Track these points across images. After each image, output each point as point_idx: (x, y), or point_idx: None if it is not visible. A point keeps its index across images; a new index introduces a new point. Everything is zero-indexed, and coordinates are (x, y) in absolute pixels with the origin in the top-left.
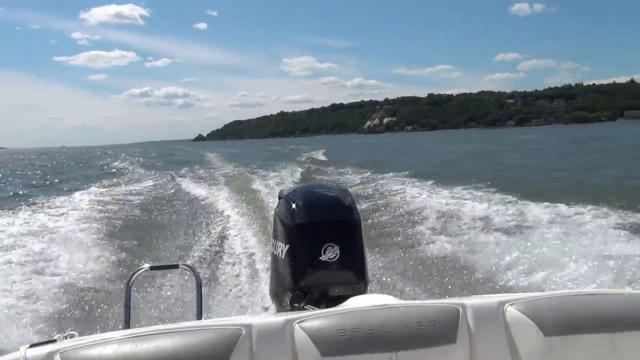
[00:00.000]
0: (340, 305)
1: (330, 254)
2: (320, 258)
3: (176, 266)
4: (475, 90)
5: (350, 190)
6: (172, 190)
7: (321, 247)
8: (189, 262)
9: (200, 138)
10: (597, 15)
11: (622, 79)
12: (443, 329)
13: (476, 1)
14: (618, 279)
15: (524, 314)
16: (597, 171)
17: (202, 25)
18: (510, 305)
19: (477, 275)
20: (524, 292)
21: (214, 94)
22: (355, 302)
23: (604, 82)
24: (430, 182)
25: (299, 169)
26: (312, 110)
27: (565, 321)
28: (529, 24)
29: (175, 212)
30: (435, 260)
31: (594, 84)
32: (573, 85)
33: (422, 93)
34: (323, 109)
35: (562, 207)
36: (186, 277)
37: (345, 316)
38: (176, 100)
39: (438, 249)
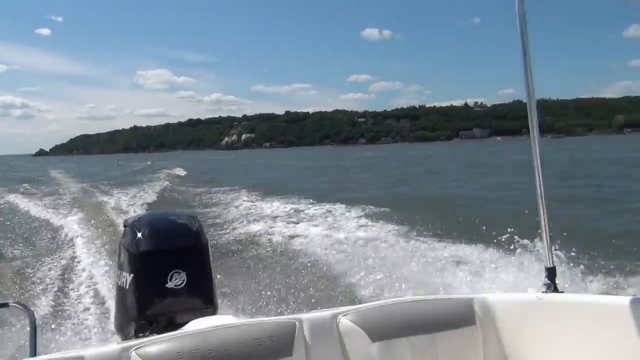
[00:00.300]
0: (181, 329)
1: (177, 280)
2: (167, 285)
3: (6, 305)
4: (330, 109)
5: (200, 212)
6: (9, 212)
7: (167, 274)
8: (26, 296)
9: (42, 153)
10: (438, 44)
11: (458, 102)
12: (280, 344)
13: (330, 25)
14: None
15: (355, 323)
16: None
17: (45, 31)
18: (343, 316)
19: (319, 286)
20: (358, 303)
21: (58, 105)
22: (195, 325)
23: (443, 104)
24: (278, 200)
25: (155, 186)
26: (168, 125)
27: (390, 327)
28: (379, 48)
29: (12, 238)
30: (284, 276)
31: (434, 106)
32: (417, 106)
33: (280, 110)
34: (180, 124)
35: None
36: (20, 316)
37: (184, 339)
38: (13, 110)
39: (285, 266)
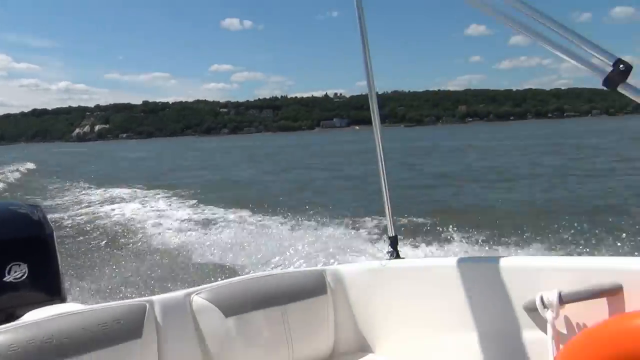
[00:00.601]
0: (17, 320)
1: (17, 273)
2: (5, 279)
3: None
4: (191, 99)
5: (48, 203)
6: None
7: (5, 267)
8: None
9: None
10: (299, 36)
11: (319, 93)
12: (128, 327)
13: (190, 12)
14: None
15: (209, 301)
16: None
17: None
18: (197, 294)
19: (172, 267)
20: (212, 280)
21: None
22: (33, 316)
23: (305, 95)
24: (124, 188)
25: None
26: (8, 116)
27: (243, 302)
28: (241, 38)
29: None
30: (136, 262)
31: (296, 97)
32: (279, 97)
33: (137, 100)
34: (22, 114)
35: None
36: None
37: (18, 330)
38: None
39: (135, 251)
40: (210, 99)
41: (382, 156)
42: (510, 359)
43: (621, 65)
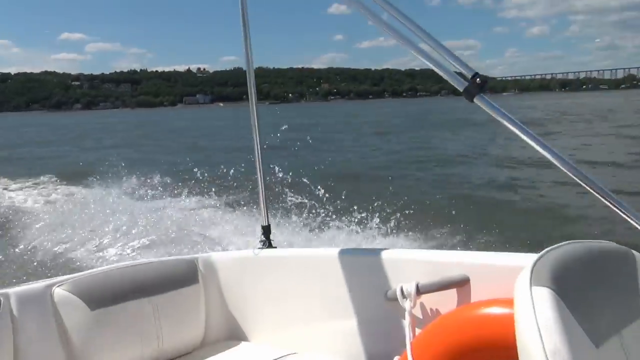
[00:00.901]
0: None
1: None
2: None
3: None
4: (38, 70)
5: None
6: None
7: None
8: None
9: None
10: (159, 4)
11: (182, 68)
12: None
13: None
14: None
15: (72, 293)
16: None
17: None
18: (58, 286)
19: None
20: (77, 272)
21: None
22: None
23: (166, 69)
24: None
25: None
26: None
27: (110, 293)
28: (95, 4)
29: None
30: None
31: (157, 71)
32: (138, 70)
33: None
34: None
35: None
36: None
37: None
38: None
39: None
40: (60, 70)
41: (258, 140)
42: (374, 345)
43: (478, 79)
